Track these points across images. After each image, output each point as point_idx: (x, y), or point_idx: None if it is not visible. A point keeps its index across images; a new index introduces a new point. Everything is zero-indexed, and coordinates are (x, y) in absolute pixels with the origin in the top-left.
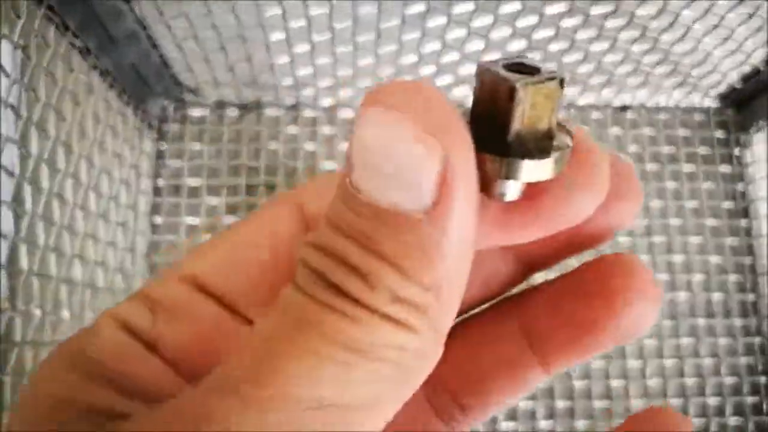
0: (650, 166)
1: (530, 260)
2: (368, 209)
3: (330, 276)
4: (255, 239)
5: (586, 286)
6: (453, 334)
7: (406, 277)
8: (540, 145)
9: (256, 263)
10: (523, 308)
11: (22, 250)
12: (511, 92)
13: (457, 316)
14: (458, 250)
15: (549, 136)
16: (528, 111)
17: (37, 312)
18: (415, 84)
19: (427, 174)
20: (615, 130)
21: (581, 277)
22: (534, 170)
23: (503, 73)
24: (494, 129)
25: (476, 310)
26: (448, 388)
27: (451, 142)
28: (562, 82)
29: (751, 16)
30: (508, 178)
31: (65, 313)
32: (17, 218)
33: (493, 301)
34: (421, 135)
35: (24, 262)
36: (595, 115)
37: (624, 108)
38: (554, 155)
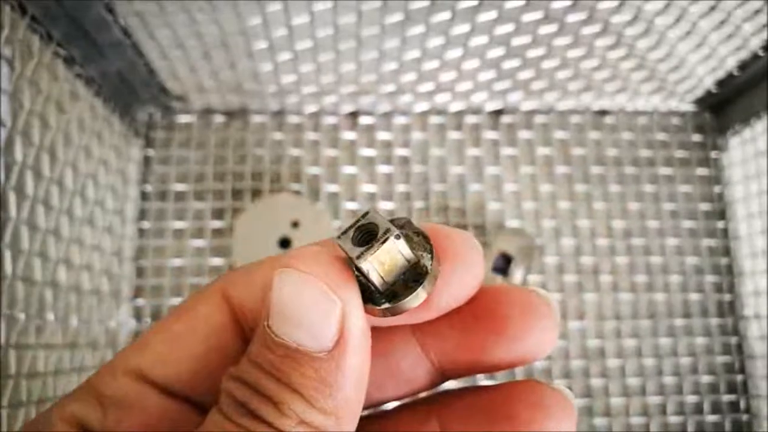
0: (629, 170)
1: (445, 369)
2: (281, 348)
3: (248, 403)
4: (190, 331)
5: (495, 407)
6: (372, 426)
7: (310, 405)
8: (407, 282)
9: (192, 354)
10: (441, 408)
11: (7, 255)
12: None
13: (372, 408)
14: (354, 381)
15: (412, 271)
16: (380, 270)
17: (21, 316)
18: (316, 250)
19: (328, 323)
20: (594, 135)
21: (492, 396)
22: (407, 303)
23: (347, 248)
24: (367, 285)
25: (394, 406)
26: None
27: (346, 298)
28: (397, 237)
29: (722, 23)
30: (389, 316)
31: (50, 316)
32: (1, 224)
33: (408, 400)
34: (324, 293)
35: (8, 267)
36: (574, 119)
37: (603, 112)
38: (421, 284)
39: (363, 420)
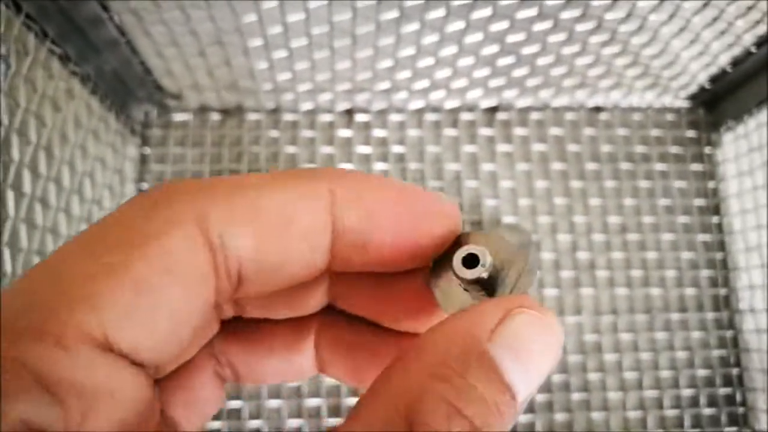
0: (624, 166)
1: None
2: (501, 390)
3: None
4: (162, 276)
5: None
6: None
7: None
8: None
9: (170, 311)
10: (325, 327)
11: (6, 253)
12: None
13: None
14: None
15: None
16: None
17: None
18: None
19: (542, 378)
20: (589, 131)
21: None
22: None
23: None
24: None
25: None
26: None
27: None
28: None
29: (715, 19)
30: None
31: None
32: (0, 222)
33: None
34: (558, 347)
35: (8, 266)
36: (569, 116)
37: (598, 109)
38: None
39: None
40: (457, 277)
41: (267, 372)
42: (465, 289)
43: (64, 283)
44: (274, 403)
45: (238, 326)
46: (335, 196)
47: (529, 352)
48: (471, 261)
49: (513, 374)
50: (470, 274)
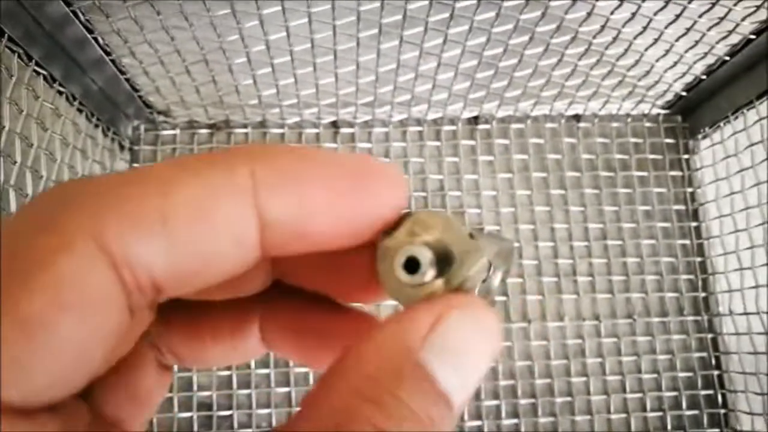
0: (603, 173)
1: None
2: (433, 394)
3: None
4: (60, 315)
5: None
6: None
7: None
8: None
9: (78, 346)
10: (271, 305)
11: None
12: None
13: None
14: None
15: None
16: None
17: None
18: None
19: (479, 377)
20: (569, 140)
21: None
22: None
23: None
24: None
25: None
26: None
27: None
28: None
29: (688, 30)
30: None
31: None
32: None
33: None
34: (495, 346)
35: None
36: (549, 125)
37: (577, 118)
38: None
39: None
40: (398, 279)
41: (210, 355)
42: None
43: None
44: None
45: (176, 308)
46: (257, 179)
47: (465, 354)
48: (412, 265)
49: (448, 381)
50: (410, 279)
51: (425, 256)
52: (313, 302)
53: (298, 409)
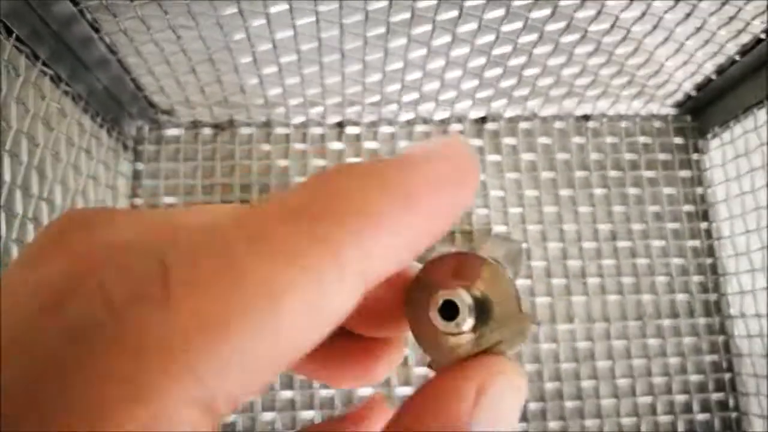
0: (613, 173)
1: None
2: None
3: None
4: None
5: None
6: None
7: None
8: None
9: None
10: None
11: None
12: None
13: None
14: None
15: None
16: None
17: None
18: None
19: None
20: (577, 140)
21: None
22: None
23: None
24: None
25: None
26: None
27: None
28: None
29: (698, 29)
30: None
31: None
32: None
33: None
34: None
35: None
36: (558, 125)
37: (586, 117)
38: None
39: None
40: (433, 323)
41: None
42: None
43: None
44: (268, 416)
45: None
46: (366, 256)
47: (507, 419)
48: (449, 309)
49: None
50: (446, 327)
51: (465, 303)
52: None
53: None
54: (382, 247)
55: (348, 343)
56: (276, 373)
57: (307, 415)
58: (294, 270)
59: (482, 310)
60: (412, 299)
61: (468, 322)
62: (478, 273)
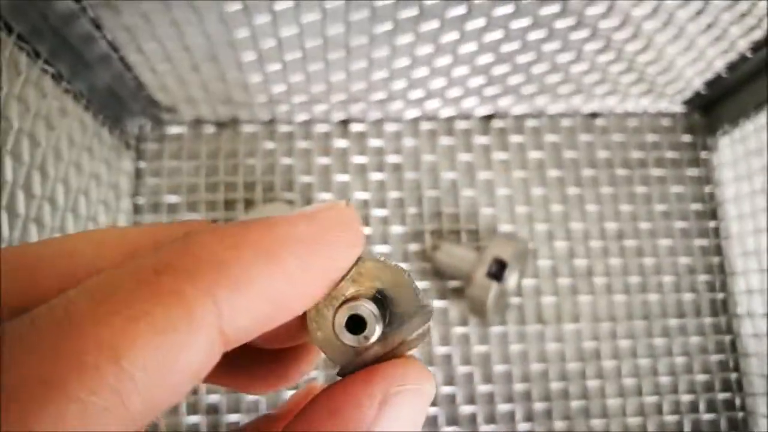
0: (620, 171)
1: None
2: None
3: None
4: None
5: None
6: None
7: None
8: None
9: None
10: None
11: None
12: None
13: None
14: None
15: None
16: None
17: None
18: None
19: None
20: (585, 137)
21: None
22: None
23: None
24: None
25: None
26: None
27: None
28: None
29: (710, 26)
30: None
31: None
32: None
33: None
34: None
35: None
36: (565, 122)
37: (594, 115)
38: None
39: None
40: (338, 339)
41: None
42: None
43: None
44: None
45: None
46: (221, 310)
47: (409, 424)
48: (355, 324)
49: None
50: (355, 342)
51: (371, 316)
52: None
53: None
54: (241, 304)
55: (257, 353)
56: None
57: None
58: (139, 326)
59: (385, 313)
60: (313, 313)
61: (376, 332)
62: (377, 275)
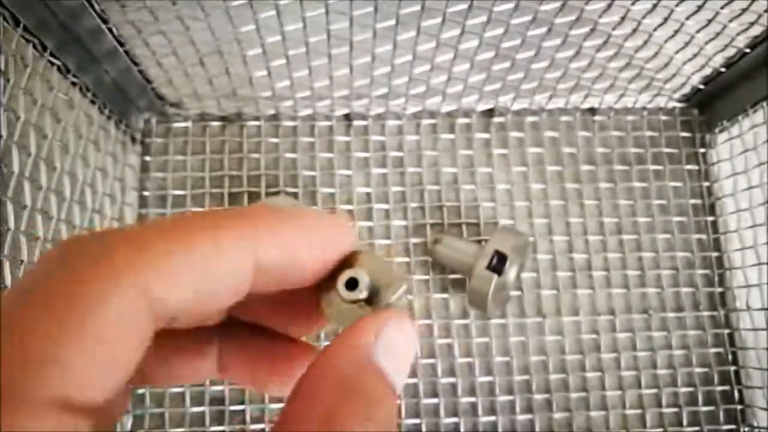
0: (619, 167)
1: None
2: (386, 386)
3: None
4: (112, 340)
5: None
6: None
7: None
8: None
9: (119, 368)
10: (226, 334)
11: (6, 266)
12: None
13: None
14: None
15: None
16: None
17: None
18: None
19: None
20: (584, 133)
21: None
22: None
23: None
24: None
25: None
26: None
27: None
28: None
29: (709, 21)
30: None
31: None
32: (0, 235)
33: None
34: (414, 350)
35: (9, 278)
36: (564, 118)
37: (592, 111)
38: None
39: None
40: (340, 296)
41: (172, 375)
42: (348, 303)
43: (27, 344)
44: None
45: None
46: (257, 235)
47: (400, 351)
48: (352, 284)
49: (393, 375)
50: (349, 295)
51: (363, 278)
52: (263, 336)
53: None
54: (275, 241)
55: (270, 346)
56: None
57: None
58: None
59: (371, 284)
60: (323, 285)
61: (364, 292)
62: (362, 260)
